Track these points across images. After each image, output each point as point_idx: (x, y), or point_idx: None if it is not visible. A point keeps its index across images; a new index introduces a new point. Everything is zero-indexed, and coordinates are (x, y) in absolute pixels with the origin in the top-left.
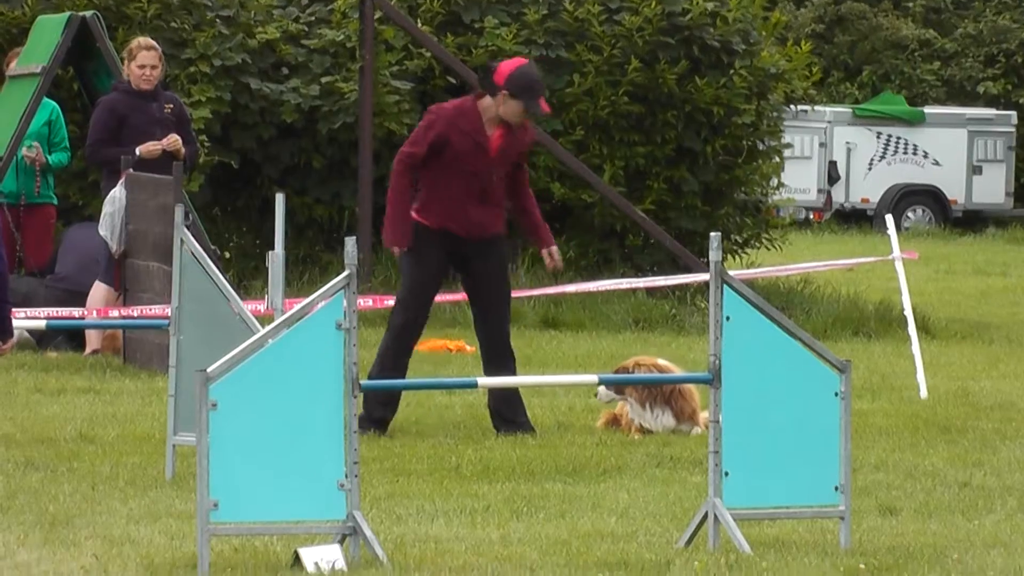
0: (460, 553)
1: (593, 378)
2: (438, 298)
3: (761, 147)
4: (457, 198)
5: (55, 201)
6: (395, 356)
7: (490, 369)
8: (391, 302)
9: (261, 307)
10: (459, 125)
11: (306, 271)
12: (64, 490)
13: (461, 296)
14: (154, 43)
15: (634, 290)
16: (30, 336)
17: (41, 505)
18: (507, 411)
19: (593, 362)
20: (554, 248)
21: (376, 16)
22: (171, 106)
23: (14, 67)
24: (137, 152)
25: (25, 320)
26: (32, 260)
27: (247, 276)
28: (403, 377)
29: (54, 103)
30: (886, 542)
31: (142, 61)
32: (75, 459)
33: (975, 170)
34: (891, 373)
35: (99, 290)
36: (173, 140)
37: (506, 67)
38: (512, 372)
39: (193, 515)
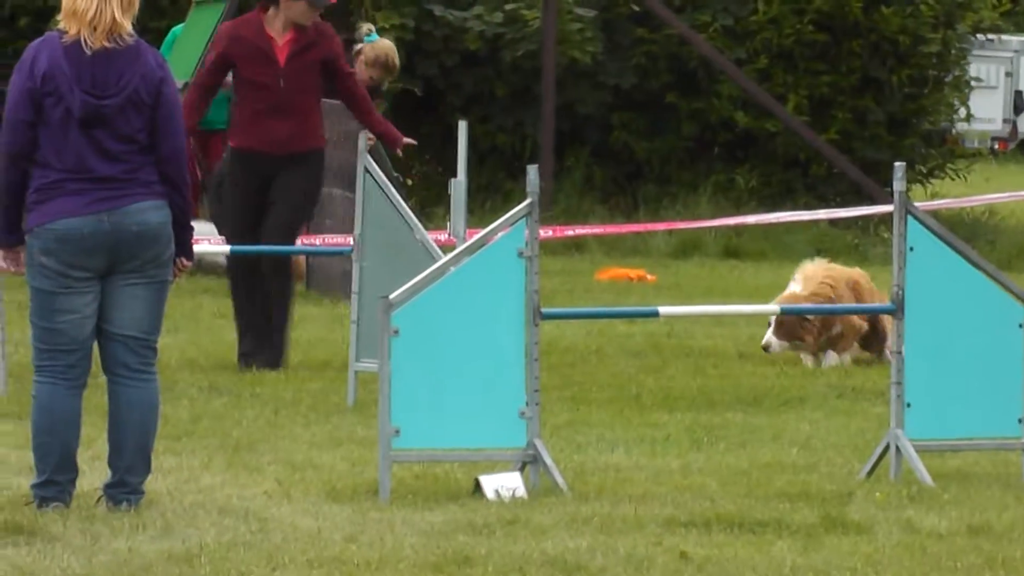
0: (640, 482)
1: (775, 308)
2: (620, 228)
3: (947, 77)
4: (254, 114)
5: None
6: (245, 293)
7: (259, 295)
8: (573, 232)
9: (443, 236)
10: (242, 36)
11: (488, 199)
12: (247, 415)
13: (643, 226)
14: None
15: (816, 220)
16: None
17: (225, 430)
18: (257, 350)
19: (774, 292)
20: (403, 141)
21: None
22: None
23: None
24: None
25: (209, 246)
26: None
27: (430, 203)
28: (261, 314)
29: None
30: None
31: (374, 75)
32: (258, 384)
33: None
34: None
35: None
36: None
37: None
38: (281, 292)
39: (375, 441)
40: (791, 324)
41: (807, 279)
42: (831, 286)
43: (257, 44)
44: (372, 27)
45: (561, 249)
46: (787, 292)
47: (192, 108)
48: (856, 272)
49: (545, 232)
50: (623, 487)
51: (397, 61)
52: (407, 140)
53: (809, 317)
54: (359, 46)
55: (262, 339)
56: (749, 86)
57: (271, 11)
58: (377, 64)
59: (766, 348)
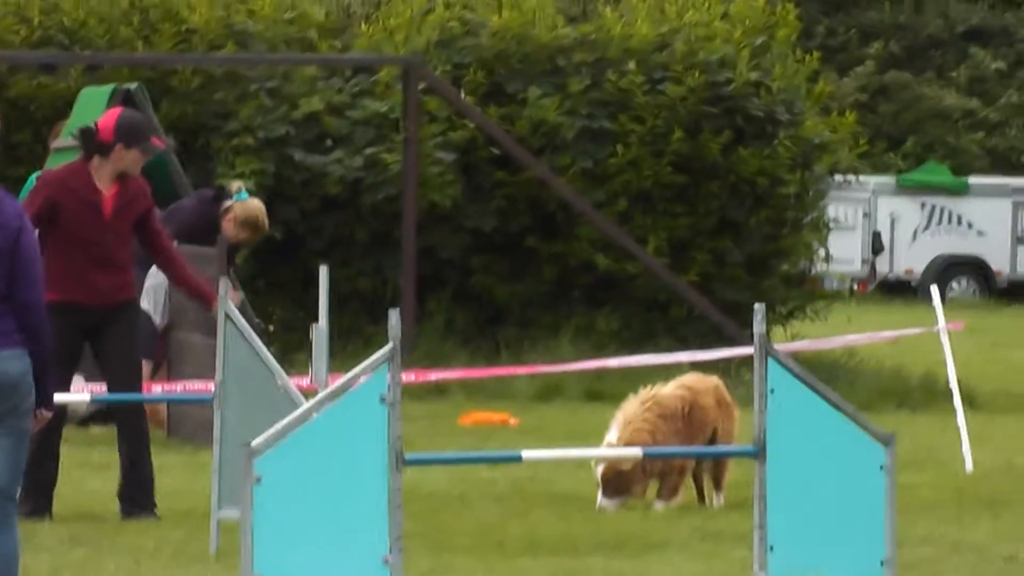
0: None
1: (637, 451)
2: (482, 372)
3: (806, 219)
4: (78, 267)
5: None
6: (41, 441)
7: (121, 440)
8: (435, 376)
9: (305, 381)
10: (70, 186)
11: (350, 343)
12: (108, 566)
13: (504, 370)
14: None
15: (678, 363)
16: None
17: None
18: (140, 496)
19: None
20: (215, 304)
21: (420, 87)
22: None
23: (59, 140)
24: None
25: (68, 394)
26: None
27: (291, 349)
28: (55, 461)
29: None
30: None
31: (243, 236)
32: (119, 534)
33: (1020, 240)
34: (936, 446)
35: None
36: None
37: (107, 120)
38: (143, 446)
39: None
40: (616, 481)
41: (624, 424)
42: (648, 432)
43: (86, 197)
44: (242, 185)
45: (424, 393)
46: (604, 441)
47: None
48: (685, 391)
49: (408, 376)
50: None
51: (266, 221)
52: (234, 295)
53: (628, 466)
54: (228, 203)
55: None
56: (609, 228)
57: (96, 160)
58: (247, 225)
59: (601, 510)
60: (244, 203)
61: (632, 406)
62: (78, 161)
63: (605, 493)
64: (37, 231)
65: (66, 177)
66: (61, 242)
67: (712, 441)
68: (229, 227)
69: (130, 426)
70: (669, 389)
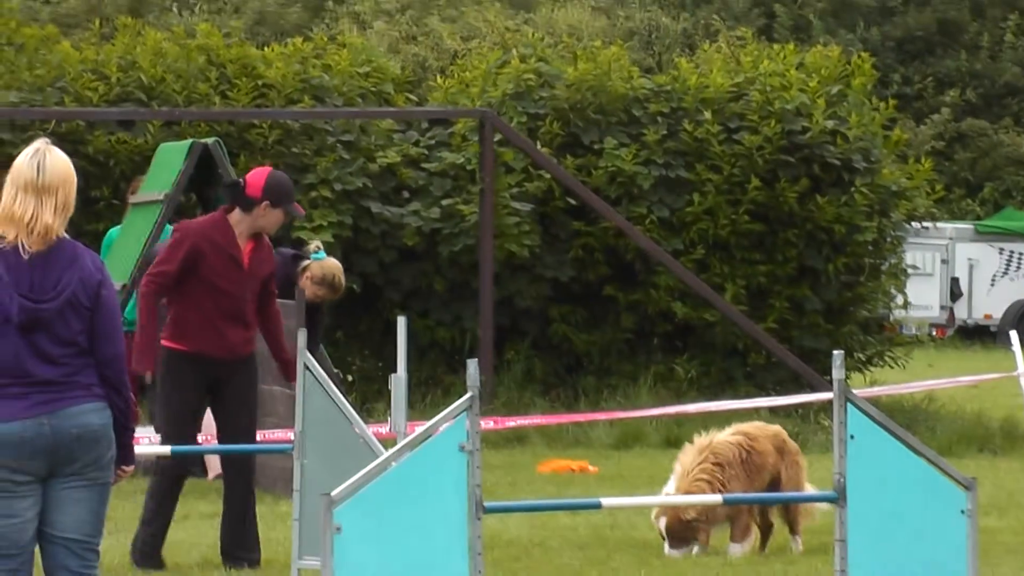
0: None
1: (718, 498)
2: (560, 419)
3: (884, 265)
4: (212, 318)
5: None
6: (167, 493)
7: (229, 491)
8: (513, 423)
9: (384, 430)
10: (212, 238)
11: (428, 393)
12: None
13: (583, 416)
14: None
15: (757, 409)
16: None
17: None
18: (240, 550)
19: None
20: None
21: (496, 139)
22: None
23: (138, 195)
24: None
25: (149, 446)
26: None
27: (370, 399)
28: (170, 515)
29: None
30: None
31: (318, 292)
32: None
33: None
34: (1017, 490)
35: None
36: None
37: (257, 178)
38: (252, 497)
39: None
40: (681, 531)
41: (682, 475)
42: (707, 481)
43: (228, 249)
44: (320, 244)
45: (502, 442)
46: (663, 492)
47: (151, 303)
48: (742, 438)
49: (487, 423)
50: None
51: (343, 281)
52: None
53: (691, 516)
54: (306, 262)
55: (241, 537)
56: (687, 277)
57: (236, 214)
58: (324, 283)
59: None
60: (322, 263)
61: (689, 456)
62: (218, 213)
63: (671, 544)
64: (171, 279)
65: (209, 228)
66: (197, 293)
67: (774, 487)
68: (307, 285)
69: (241, 478)
70: (725, 436)
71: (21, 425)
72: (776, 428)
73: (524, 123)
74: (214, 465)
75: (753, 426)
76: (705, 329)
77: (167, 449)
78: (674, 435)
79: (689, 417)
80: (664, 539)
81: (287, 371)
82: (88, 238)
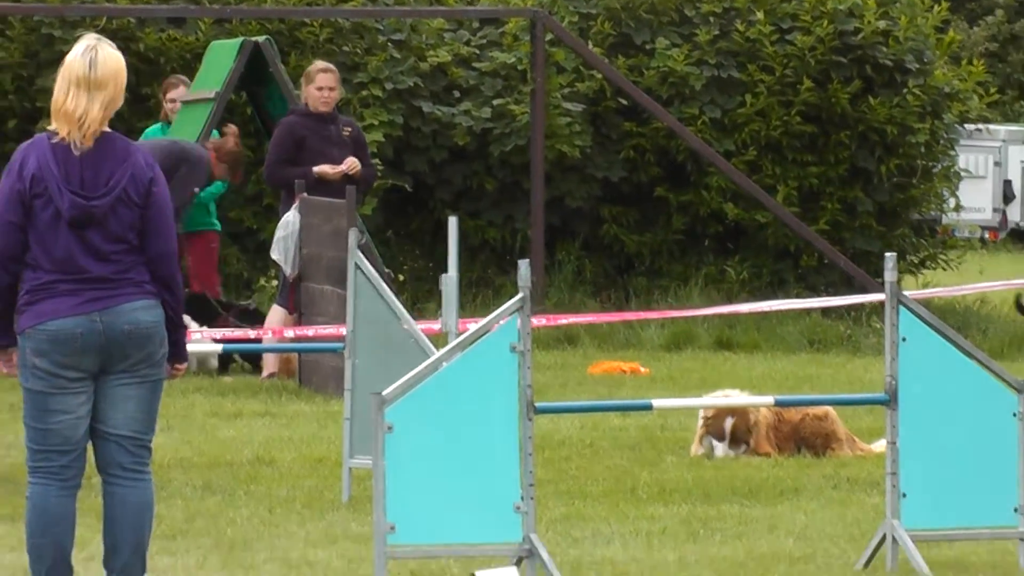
0: (637, 575)
1: (769, 399)
2: (612, 317)
3: (936, 168)
4: None
5: (217, 227)
6: None
7: None
8: (565, 321)
9: (436, 325)
10: None
11: (479, 293)
12: (242, 513)
13: (635, 315)
14: (331, 66)
15: (808, 310)
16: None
17: (219, 528)
18: None
19: (767, 383)
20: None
21: (547, 38)
22: (349, 129)
23: (189, 93)
24: (314, 172)
25: (201, 344)
26: (196, 285)
27: (421, 299)
28: None
29: (217, 132)
30: None
31: (320, 83)
32: (252, 482)
33: None
34: None
35: (276, 313)
36: (352, 163)
37: None
38: None
39: (370, 538)
40: (743, 432)
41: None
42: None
43: None
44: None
45: (553, 343)
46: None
47: None
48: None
49: (539, 320)
50: None
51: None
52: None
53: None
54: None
55: None
56: (738, 178)
57: None
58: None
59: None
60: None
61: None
62: None
63: (731, 444)
64: None
65: None
66: None
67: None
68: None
69: None
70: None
71: (73, 321)
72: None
73: (575, 23)
74: (269, 364)
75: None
76: (756, 230)
77: (219, 347)
78: (725, 336)
79: (740, 318)
80: (718, 437)
81: None
82: (138, 136)
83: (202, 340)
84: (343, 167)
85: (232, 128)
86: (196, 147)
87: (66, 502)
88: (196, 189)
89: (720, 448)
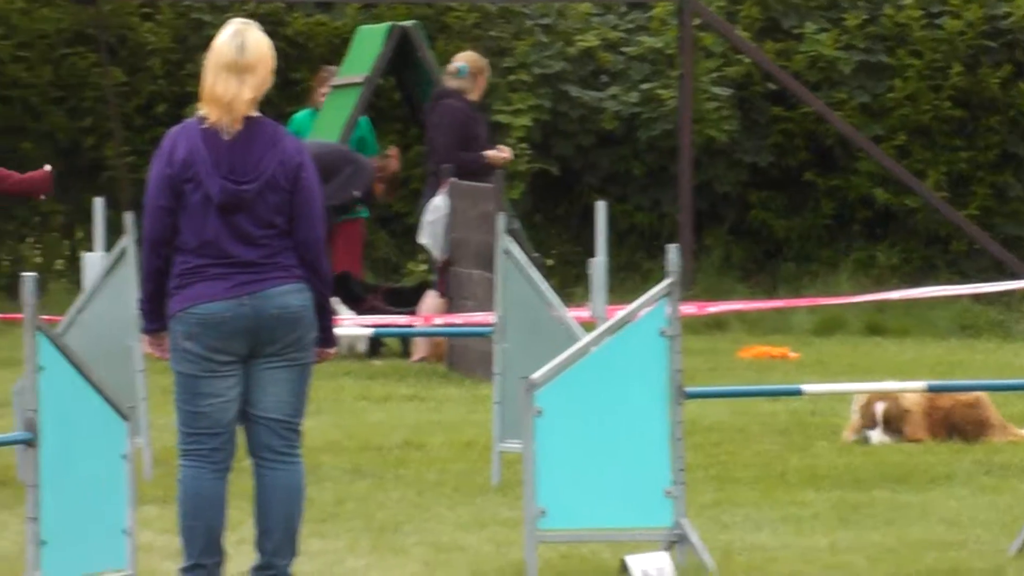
0: (788, 561)
1: (922, 384)
2: (762, 304)
3: None
4: None
5: (364, 215)
6: None
7: None
8: (714, 308)
9: (584, 314)
10: None
11: (627, 278)
12: (391, 497)
13: (785, 302)
14: None
15: (959, 296)
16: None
17: (369, 512)
18: None
19: (919, 368)
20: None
21: (695, 23)
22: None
23: (337, 77)
24: (486, 157)
25: (351, 328)
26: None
27: (569, 283)
28: None
29: (366, 119)
30: None
31: (487, 74)
32: (402, 466)
33: None
34: None
35: (429, 297)
36: (509, 151)
37: None
38: None
39: (519, 522)
40: (896, 418)
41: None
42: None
43: None
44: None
45: (702, 328)
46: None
47: None
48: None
49: (688, 308)
50: (770, 566)
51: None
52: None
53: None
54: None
55: None
56: (888, 163)
57: None
58: None
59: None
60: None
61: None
62: None
63: (885, 430)
64: None
65: None
66: None
67: None
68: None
69: None
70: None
71: (223, 305)
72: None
73: (724, 7)
74: (419, 347)
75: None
76: (906, 216)
77: (368, 331)
78: (876, 322)
79: (891, 304)
80: (872, 426)
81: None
82: (287, 120)
83: (351, 324)
84: (506, 154)
85: (394, 150)
86: (363, 156)
87: (217, 485)
88: (357, 193)
89: (875, 435)
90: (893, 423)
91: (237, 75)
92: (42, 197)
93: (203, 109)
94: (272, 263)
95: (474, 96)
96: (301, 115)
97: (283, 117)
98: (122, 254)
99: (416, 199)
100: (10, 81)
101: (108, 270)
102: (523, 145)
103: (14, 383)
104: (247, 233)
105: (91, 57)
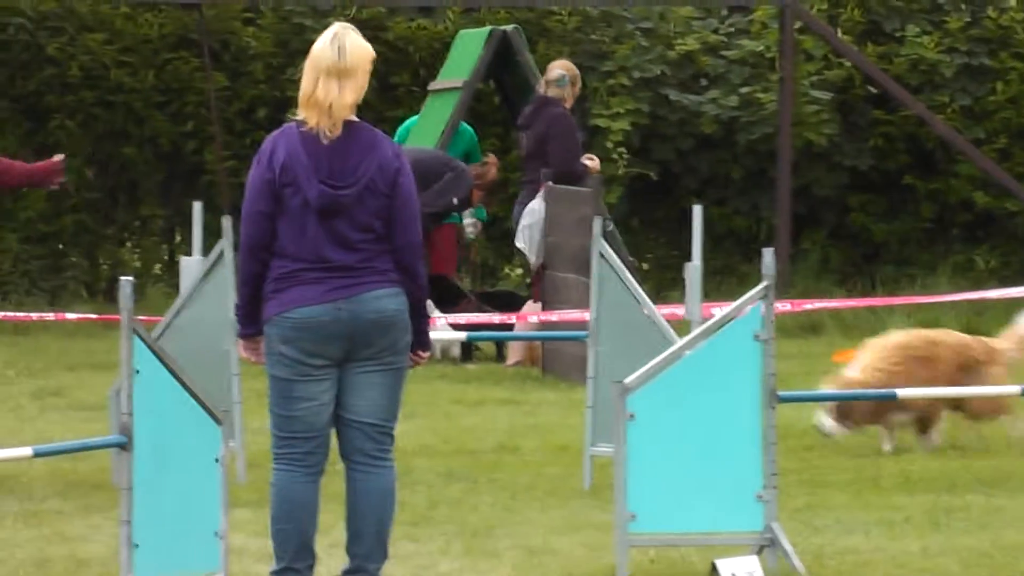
0: (880, 565)
1: (1016, 389)
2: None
3: None
4: None
5: (458, 220)
6: None
7: None
8: (809, 306)
9: (680, 311)
10: None
11: (723, 282)
12: (484, 500)
13: (878, 300)
14: None
15: None
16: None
17: (462, 516)
18: None
19: (1016, 372)
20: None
21: (796, 26)
22: None
23: (436, 81)
24: (587, 163)
25: (446, 332)
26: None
27: (665, 287)
28: None
29: (472, 130)
30: None
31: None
32: (495, 470)
33: None
34: None
35: (528, 305)
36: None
37: None
38: None
39: (611, 526)
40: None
41: (864, 367)
42: (885, 371)
43: None
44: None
45: (798, 331)
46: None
47: None
48: (936, 336)
49: (783, 306)
50: (863, 571)
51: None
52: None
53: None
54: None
55: None
56: (989, 166)
57: None
58: None
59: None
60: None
61: (878, 346)
62: None
63: (835, 417)
64: None
65: None
66: None
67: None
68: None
69: None
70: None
71: (319, 309)
72: (965, 341)
73: (824, 10)
74: (514, 351)
75: (944, 333)
76: (1007, 219)
77: (462, 335)
78: (973, 325)
79: (989, 307)
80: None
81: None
82: (388, 125)
83: (445, 327)
84: (595, 163)
85: (493, 158)
86: (461, 163)
87: (309, 488)
88: (456, 200)
89: (828, 423)
90: (843, 411)
91: (337, 79)
92: (54, 186)
93: (302, 113)
94: (369, 267)
95: (569, 104)
96: (411, 120)
97: (384, 122)
98: (219, 258)
99: (513, 203)
100: (114, 86)
101: (205, 274)
102: (621, 149)
103: (106, 387)
104: (345, 237)
105: (194, 62)
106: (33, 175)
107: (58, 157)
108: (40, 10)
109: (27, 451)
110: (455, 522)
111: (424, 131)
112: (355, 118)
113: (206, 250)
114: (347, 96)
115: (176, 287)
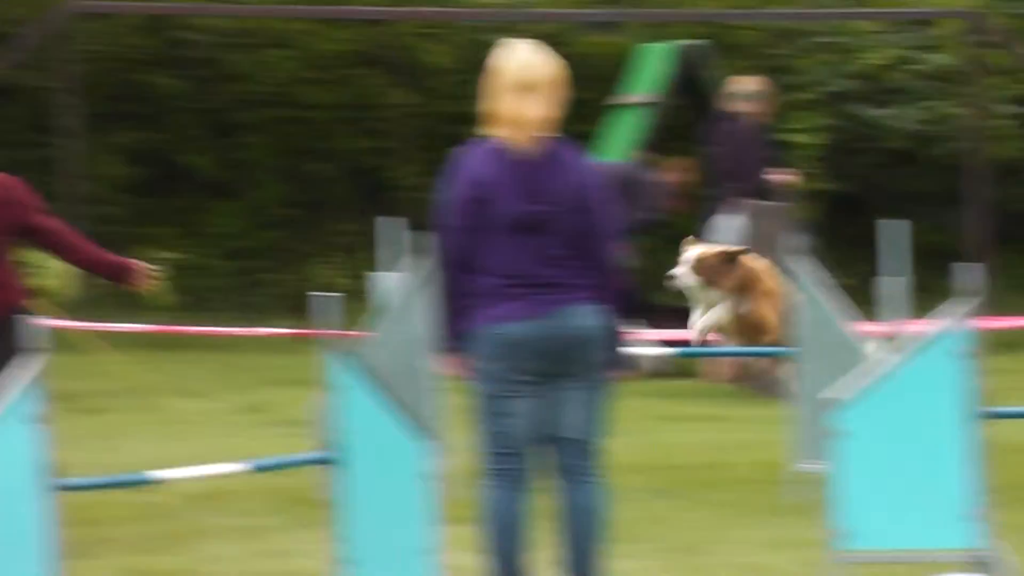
0: None
1: None
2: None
3: None
4: None
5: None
6: None
7: None
8: (1007, 323)
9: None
10: None
11: (917, 297)
12: (692, 517)
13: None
14: None
15: None
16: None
17: (671, 532)
18: None
19: None
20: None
21: (984, 40)
22: None
23: (619, 96)
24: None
25: (650, 348)
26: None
27: (859, 303)
28: None
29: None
30: None
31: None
32: (701, 486)
33: None
34: None
35: None
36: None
37: None
38: None
39: (819, 543)
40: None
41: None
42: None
43: None
44: None
45: (1003, 348)
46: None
47: None
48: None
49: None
50: None
51: None
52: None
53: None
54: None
55: None
56: None
57: None
58: None
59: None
60: None
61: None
62: None
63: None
64: None
65: None
66: None
67: None
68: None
69: None
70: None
71: (523, 326)
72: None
73: (1013, 24)
74: (717, 367)
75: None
76: None
77: (667, 350)
78: None
79: None
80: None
81: (114, 273)
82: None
83: (649, 343)
84: (792, 178)
85: (690, 162)
86: (655, 175)
87: (518, 504)
88: (652, 214)
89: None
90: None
91: (524, 94)
92: (136, 288)
93: (492, 129)
94: (569, 284)
95: (761, 119)
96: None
97: (573, 137)
98: (417, 274)
99: (697, 216)
100: (299, 102)
101: (404, 290)
102: (815, 164)
103: (305, 402)
104: (544, 254)
105: (380, 78)
106: (109, 267)
107: (142, 264)
108: (223, 27)
109: (247, 466)
110: (664, 539)
111: (610, 146)
112: (551, 134)
113: (392, 266)
114: (535, 111)
115: (362, 303)
